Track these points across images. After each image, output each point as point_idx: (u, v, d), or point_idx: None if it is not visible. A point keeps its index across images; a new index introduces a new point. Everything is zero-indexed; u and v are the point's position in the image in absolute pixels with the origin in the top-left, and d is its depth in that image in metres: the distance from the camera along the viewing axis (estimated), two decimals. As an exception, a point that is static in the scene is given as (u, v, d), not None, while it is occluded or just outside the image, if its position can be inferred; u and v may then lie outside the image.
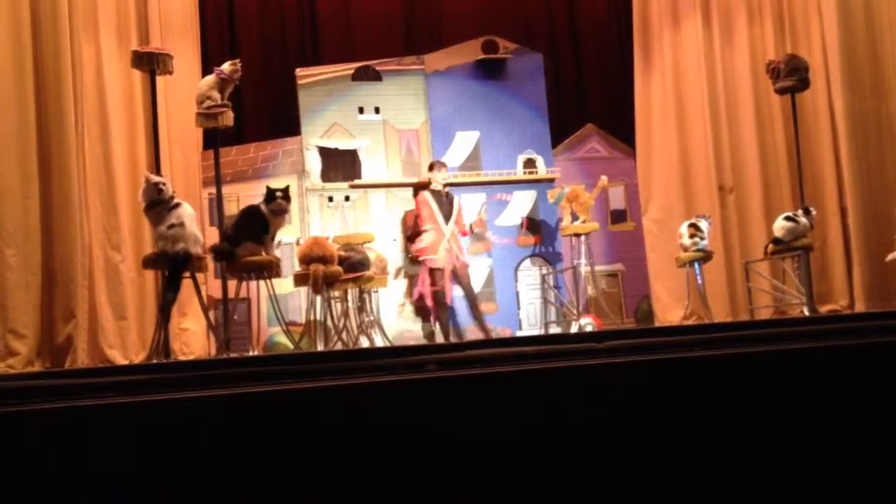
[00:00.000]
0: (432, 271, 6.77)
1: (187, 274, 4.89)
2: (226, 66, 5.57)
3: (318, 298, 5.72)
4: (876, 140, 6.94)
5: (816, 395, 2.35)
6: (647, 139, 7.92)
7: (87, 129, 6.13)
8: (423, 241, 6.84)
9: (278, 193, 5.10)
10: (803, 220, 6.46)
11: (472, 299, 6.91)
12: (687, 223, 6.76)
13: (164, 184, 4.77)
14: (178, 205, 4.77)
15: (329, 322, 5.91)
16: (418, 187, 7.29)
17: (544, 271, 7.64)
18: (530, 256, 7.75)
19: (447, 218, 6.87)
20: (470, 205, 7.60)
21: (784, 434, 2.31)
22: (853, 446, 2.33)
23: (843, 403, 2.36)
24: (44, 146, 5.73)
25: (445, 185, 7.05)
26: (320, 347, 5.91)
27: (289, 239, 7.15)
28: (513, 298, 7.63)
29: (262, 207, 5.12)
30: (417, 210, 6.98)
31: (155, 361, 4.79)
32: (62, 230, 5.73)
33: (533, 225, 7.76)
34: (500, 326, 7.48)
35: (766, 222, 7.34)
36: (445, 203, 6.93)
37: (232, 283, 5.48)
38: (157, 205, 4.74)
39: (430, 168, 7.11)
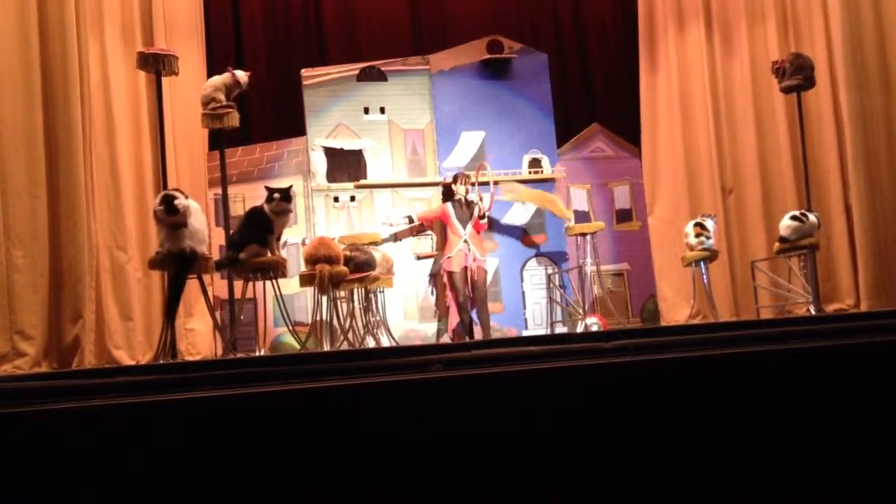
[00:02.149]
0: (451, 274, 6.88)
1: (193, 275, 4.89)
2: (240, 73, 5.58)
3: (324, 299, 5.72)
4: (884, 138, 6.92)
5: (824, 394, 2.35)
6: (653, 140, 7.93)
7: (93, 131, 6.15)
8: (448, 245, 7.03)
9: (276, 195, 5.08)
10: (811, 218, 6.45)
11: (480, 298, 6.91)
12: (692, 222, 6.75)
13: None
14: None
15: (335, 322, 5.92)
16: (445, 190, 7.32)
17: (550, 271, 7.64)
18: (536, 256, 7.74)
19: (464, 223, 6.94)
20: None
21: (791, 432, 2.30)
22: (860, 444, 2.32)
23: (851, 402, 2.35)
24: (51, 148, 5.74)
25: (468, 192, 7.08)
26: (326, 348, 5.91)
27: (294, 239, 7.16)
28: (519, 298, 7.63)
29: (265, 208, 5.12)
30: (443, 218, 7.11)
31: (161, 362, 4.80)
32: (69, 231, 5.74)
33: (535, 227, 7.77)
34: (505, 326, 7.48)
35: (770, 222, 7.33)
36: (465, 210, 7.00)
37: (238, 284, 5.49)
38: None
39: (455, 181, 7.11)
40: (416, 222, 7.32)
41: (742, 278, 7.49)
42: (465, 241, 6.90)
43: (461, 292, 6.88)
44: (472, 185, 7.16)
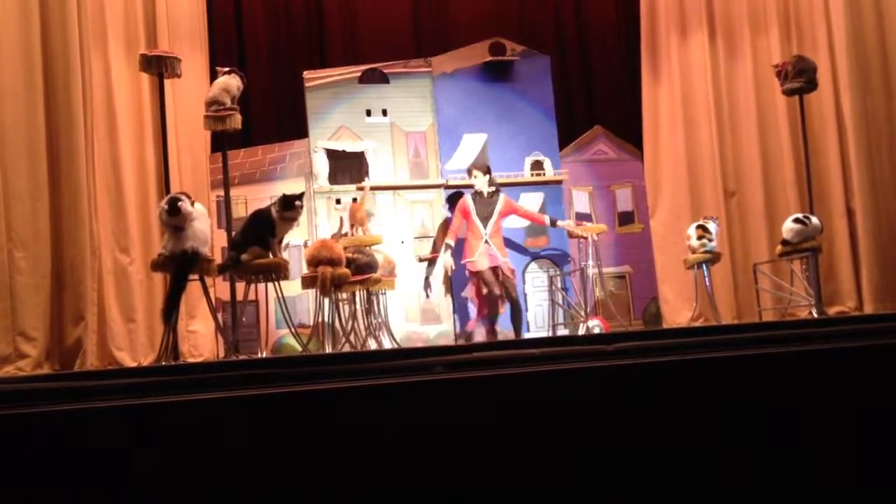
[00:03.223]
0: (473, 274, 6.82)
1: (195, 276, 4.90)
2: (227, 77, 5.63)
3: (326, 301, 5.73)
4: (887, 141, 6.92)
5: (826, 397, 2.35)
6: (655, 143, 7.93)
7: (95, 133, 6.16)
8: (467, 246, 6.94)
9: (297, 203, 5.08)
10: (814, 221, 6.45)
11: (512, 303, 6.89)
12: (695, 225, 6.75)
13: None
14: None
15: (337, 324, 5.92)
16: (456, 193, 7.34)
17: (552, 273, 7.63)
18: (537, 258, 7.74)
19: (485, 221, 6.88)
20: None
21: (793, 435, 2.30)
22: (862, 447, 2.32)
23: (853, 405, 2.35)
24: (53, 149, 5.75)
25: (491, 186, 7.04)
26: (328, 349, 5.91)
27: (297, 241, 7.16)
28: (521, 300, 7.63)
29: (273, 212, 5.10)
30: (463, 214, 7.02)
31: (164, 363, 4.80)
32: (71, 233, 5.75)
33: (537, 229, 7.75)
34: (507, 329, 7.48)
35: (772, 225, 7.34)
36: (486, 205, 6.94)
37: (240, 286, 5.49)
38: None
39: (469, 173, 7.18)
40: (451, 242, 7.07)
41: (744, 281, 7.49)
42: (487, 242, 6.77)
43: (495, 287, 6.73)
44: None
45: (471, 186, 7.17)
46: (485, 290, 6.87)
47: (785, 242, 6.51)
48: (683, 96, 7.81)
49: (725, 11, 7.85)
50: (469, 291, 7.02)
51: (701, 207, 7.56)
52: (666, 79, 7.90)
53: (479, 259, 6.77)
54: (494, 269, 6.79)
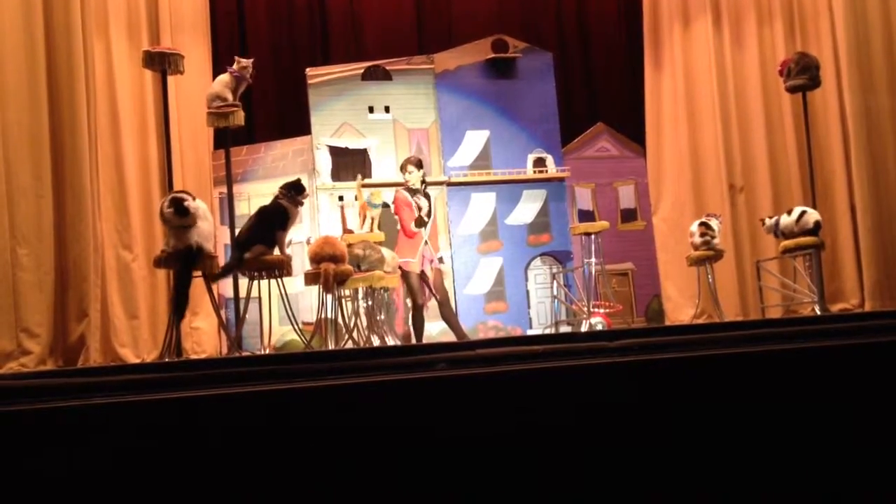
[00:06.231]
0: (406, 274, 6.25)
1: (199, 273, 4.90)
2: (236, 66, 5.61)
3: (329, 297, 5.73)
4: (890, 139, 6.91)
5: (828, 394, 2.35)
6: (658, 139, 7.92)
7: (98, 130, 6.17)
8: (403, 244, 6.29)
9: (303, 184, 5.16)
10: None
11: (444, 301, 6.37)
12: (697, 222, 6.74)
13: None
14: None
15: (340, 321, 5.92)
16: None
17: (554, 270, 7.63)
18: (540, 255, 7.74)
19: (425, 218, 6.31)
20: (480, 205, 7.63)
21: (795, 433, 2.30)
22: (865, 444, 2.32)
23: (855, 402, 2.35)
24: (56, 146, 5.76)
25: (423, 184, 6.39)
26: (331, 346, 5.91)
27: (299, 238, 7.16)
28: (523, 297, 7.63)
29: (283, 202, 5.10)
30: (397, 211, 6.31)
31: (167, 360, 4.81)
32: (75, 230, 5.76)
33: (539, 226, 7.75)
34: (510, 325, 7.48)
35: (778, 221, 7.33)
36: (425, 204, 6.35)
37: (243, 282, 5.49)
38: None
39: (402, 168, 6.46)
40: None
41: (751, 277, 7.49)
42: (426, 243, 6.24)
43: (419, 295, 6.22)
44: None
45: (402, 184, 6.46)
46: (407, 295, 6.34)
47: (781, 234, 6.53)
48: (687, 88, 7.80)
49: (729, 3, 7.82)
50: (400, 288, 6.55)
51: (704, 204, 7.55)
52: (669, 71, 7.89)
53: (417, 261, 6.19)
54: (422, 273, 6.23)
